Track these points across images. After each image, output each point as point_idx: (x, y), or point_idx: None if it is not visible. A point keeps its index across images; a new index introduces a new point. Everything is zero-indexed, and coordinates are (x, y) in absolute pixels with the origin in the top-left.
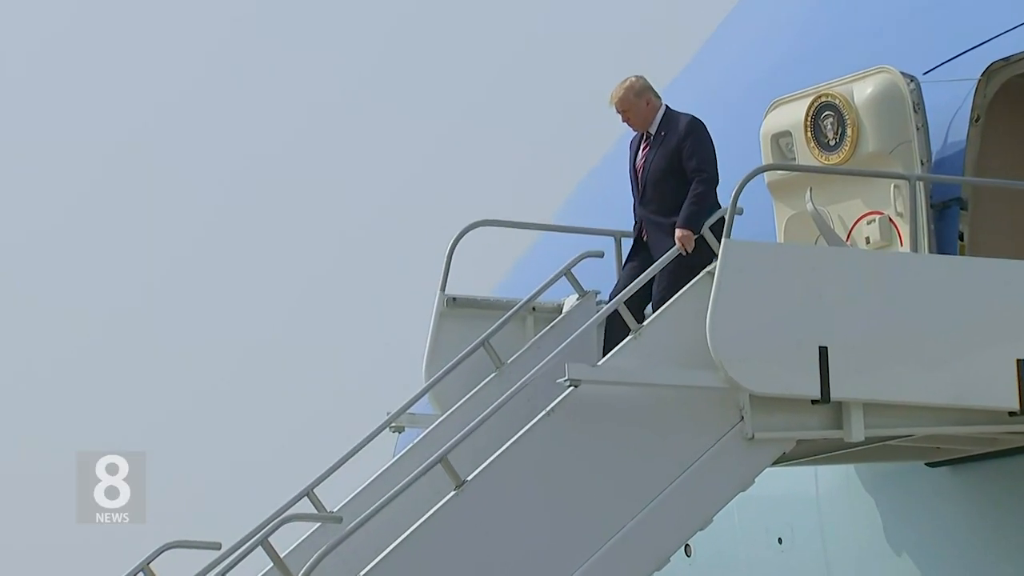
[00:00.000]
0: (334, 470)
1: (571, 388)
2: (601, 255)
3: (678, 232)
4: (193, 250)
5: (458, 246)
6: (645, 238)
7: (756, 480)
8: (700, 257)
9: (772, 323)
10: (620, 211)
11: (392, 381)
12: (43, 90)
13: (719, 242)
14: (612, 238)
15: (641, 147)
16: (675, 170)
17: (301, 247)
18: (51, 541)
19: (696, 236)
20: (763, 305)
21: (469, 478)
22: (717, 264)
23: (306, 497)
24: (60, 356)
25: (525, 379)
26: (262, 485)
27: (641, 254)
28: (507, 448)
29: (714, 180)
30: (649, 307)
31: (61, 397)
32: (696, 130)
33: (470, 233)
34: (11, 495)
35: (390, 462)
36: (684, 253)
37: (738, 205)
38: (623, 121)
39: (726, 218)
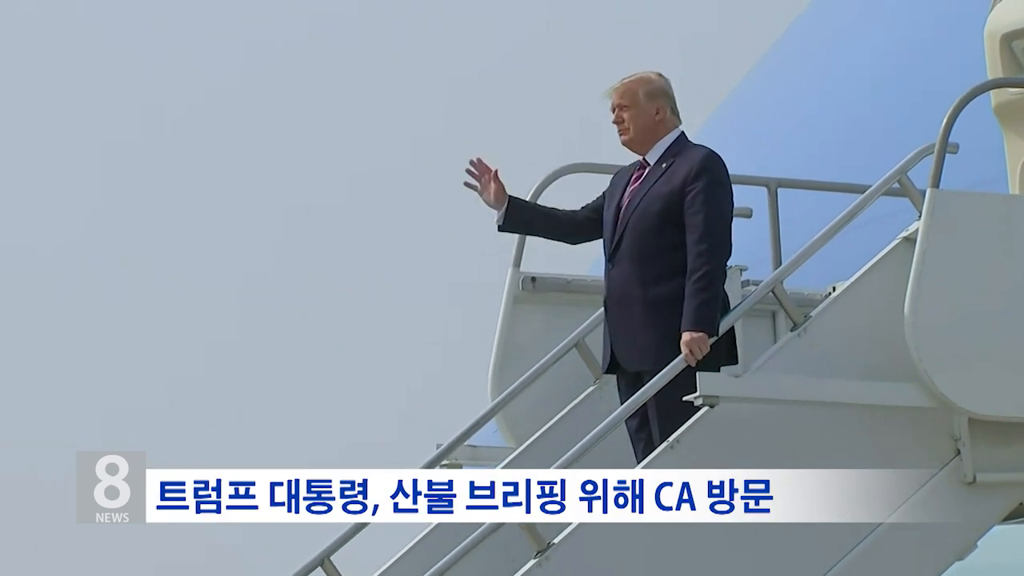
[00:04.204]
0: (362, 528)
1: (705, 409)
2: (749, 214)
3: (685, 336)
4: (196, 244)
5: (540, 200)
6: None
7: (979, 544)
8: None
9: (1002, 313)
10: (767, 152)
11: (444, 397)
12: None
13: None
14: (764, 188)
15: (631, 183)
16: (672, 221)
17: (322, 198)
18: (51, 541)
19: (713, 338)
20: (989, 286)
21: (556, 540)
22: (920, 225)
23: (320, 568)
24: (60, 355)
25: (639, 394)
26: None
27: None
28: None
29: (721, 250)
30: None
31: (61, 397)
32: (710, 170)
33: (555, 182)
34: (11, 495)
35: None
36: (693, 364)
37: (950, 140)
38: (614, 123)
39: (933, 159)
